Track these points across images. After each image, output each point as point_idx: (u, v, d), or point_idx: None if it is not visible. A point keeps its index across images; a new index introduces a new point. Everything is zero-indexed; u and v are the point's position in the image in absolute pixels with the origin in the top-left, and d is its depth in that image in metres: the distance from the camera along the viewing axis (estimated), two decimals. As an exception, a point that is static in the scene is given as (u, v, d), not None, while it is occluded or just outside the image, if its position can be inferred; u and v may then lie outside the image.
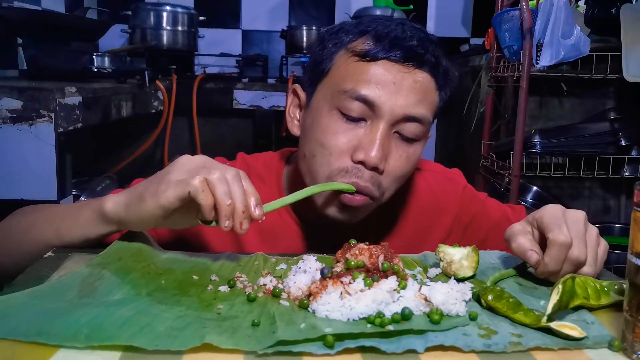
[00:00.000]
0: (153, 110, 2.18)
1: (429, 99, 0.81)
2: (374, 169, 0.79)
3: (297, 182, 0.89)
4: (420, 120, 0.80)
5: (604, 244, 0.71)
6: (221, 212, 0.64)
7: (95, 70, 1.77)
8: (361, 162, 0.79)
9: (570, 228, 0.66)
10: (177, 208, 0.66)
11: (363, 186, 0.79)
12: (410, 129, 0.80)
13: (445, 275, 0.70)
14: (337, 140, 0.79)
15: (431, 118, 0.82)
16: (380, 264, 0.62)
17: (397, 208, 0.94)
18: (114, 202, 0.71)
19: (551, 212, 0.69)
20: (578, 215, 0.69)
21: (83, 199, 1.74)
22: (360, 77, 0.79)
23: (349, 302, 0.57)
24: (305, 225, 0.91)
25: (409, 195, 0.95)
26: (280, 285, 0.64)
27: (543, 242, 0.68)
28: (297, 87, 0.89)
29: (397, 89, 0.78)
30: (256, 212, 0.66)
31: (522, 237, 0.68)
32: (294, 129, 0.89)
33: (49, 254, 0.74)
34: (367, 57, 0.79)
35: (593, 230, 0.70)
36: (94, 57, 1.79)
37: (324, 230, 0.88)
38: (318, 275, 0.62)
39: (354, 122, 0.79)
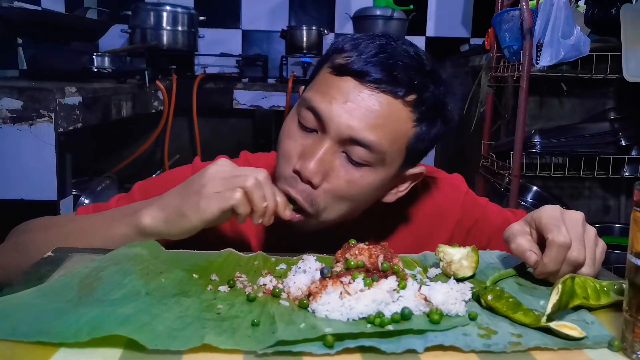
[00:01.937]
0: (153, 110, 2.18)
1: (391, 128, 0.76)
2: (308, 182, 0.77)
3: None
4: (369, 147, 0.75)
5: (602, 245, 0.71)
6: (257, 213, 0.72)
7: (95, 70, 1.77)
8: (298, 172, 0.77)
9: (569, 229, 0.66)
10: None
11: (293, 197, 0.78)
12: (358, 152, 0.76)
13: (445, 275, 0.70)
14: (288, 145, 0.79)
15: (389, 147, 0.77)
16: (379, 264, 0.62)
17: (399, 213, 0.94)
18: (151, 217, 0.73)
19: (550, 212, 0.68)
20: (576, 216, 0.69)
21: (83, 199, 1.74)
22: (321, 89, 0.77)
23: (349, 302, 0.57)
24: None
25: (410, 201, 0.95)
26: (280, 285, 0.64)
27: (541, 242, 0.68)
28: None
29: (351, 108, 0.75)
30: (287, 213, 0.75)
31: (521, 238, 0.68)
32: None
33: (49, 253, 0.74)
34: (336, 70, 0.77)
35: (591, 231, 0.70)
36: (94, 57, 1.79)
37: (323, 232, 0.88)
38: (318, 275, 0.62)
39: (306, 131, 0.78)
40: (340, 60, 0.78)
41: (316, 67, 0.84)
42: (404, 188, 0.86)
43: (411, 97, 0.77)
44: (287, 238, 0.90)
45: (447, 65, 2.63)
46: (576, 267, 0.67)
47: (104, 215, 0.82)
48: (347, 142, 0.76)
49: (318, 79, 0.80)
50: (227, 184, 0.71)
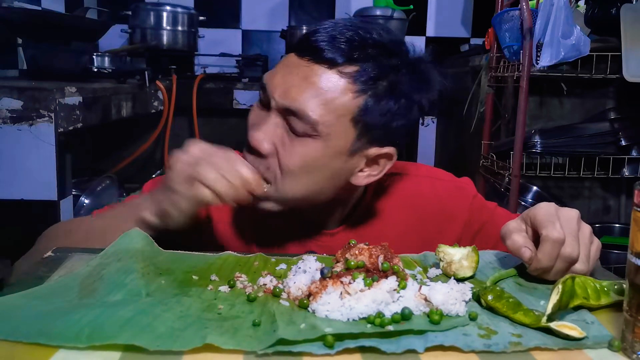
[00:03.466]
0: (153, 110, 2.18)
1: (327, 98, 0.76)
2: (256, 152, 0.80)
3: None
4: (303, 117, 0.76)
5: (597, 243, 0.71)
6: (226, 198, 0.74)
7: (95, 70, 1.77)
8: (247, 145, 0.81)
9: (564, 225, 0.67)
10: None
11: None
12: (294, 123, 0.78)
13: (445, 275, 0.70)
14: (249, 120, 0.84)
15: (327, 118, 0.77)
16: (380, 264, 0.62)
17: (405, 214, 0.94)
18: (149, 211, 0.79)
19: (545, 209, 0.69)
20: (571, 214, 0.69)
21: (83, 199, 1.75)
22: (275, 66, 0.83)
23: (349, 302, 0.57)
24: (305, 223, 0.92)
25: (417, 202, 0.95)
26: (280, 285, 0.64)
27: (537, 239, 0.68)
28: None
29: (287, 80, 0.78)
30: (259, 189, 0.76)
31: (517, 235, 0.69)
32: None
33: (49, 253, 0.74)
34: (287, 49, 0.81)
35: (586, 228, 0.70)
36: (94, 57, 1.79)
37: (322, 228, 0.89)
38: (318, 275, 0.62)
39: (263, 109, 0.82)
40: (294, 39, 0.83)
41: None
42: (377, 171, 0.85)
43: (350, 69, 0.77)
44: (265, 232, 0.91)
45: (447, 65, 2.63)
46: (570, 263, 0.67)
47: (114, 212, 0.87)
48: (285, 112, 0.79)
49: None
50: (188, 179, 0.74)
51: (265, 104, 0.81)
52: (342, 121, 0.78)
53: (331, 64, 0.77)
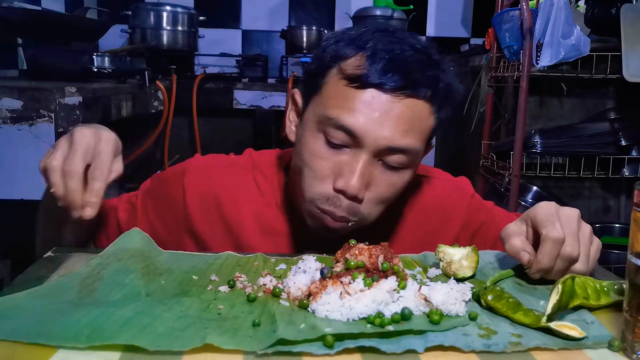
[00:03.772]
0: (153, 110, 2.18)
1: (419, 127, 0.78)
2: (353, 198, 0.77)
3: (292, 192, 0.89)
4: (405, 151, 0.77)
5: (597, 242, 0.71)
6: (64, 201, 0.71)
7: (95, 70, 1.77)
8: (341, 191, 0.77)
9: (564, 225, 0.67)
10: None
11: (339, 217, 0.79)
12: (395, 159, 0.78)
13: (445, 275, 0.70)
14: (321, 164, 0.78)
15: (421, 146, 0.79)
16: (380, 264, 0.62)
17: (404, 213, 0.94)
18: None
19: (545, 209, 0.69)
20: (571, 213, 0.69)
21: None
22: (345, 105, 0.76)
23: (349, 302, 0.57)
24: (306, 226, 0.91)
25: (416, 201, 0.95)
26: (280, 285, 0.64)
27: (538, 239, 0.68)
28: (296, 92, 0.88)
29: (382, 119, 0.75)
30: (86, 210, 0.72)
31: (516, 238, 0.69)
32: (291, 135, 0.87)
33: (49, 253, 0.74)
34: (356, 83, 0.76)
35: (586, 228, 0.70)
36: (94, 57, 1.79)
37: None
38: (318, 276, 0.62)
39: (337, 148, 0.78)
40: (351, 69, 0.77)
41: (318, 73, 0.81)
42: (418, 164, 0.88)
43: (429, 93, 0.78)
44: (287, 236, 0.90)
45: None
46: (570, 262, 0.66)
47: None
48: (384, 152, 0.77)
49: (332, 92, 0.78)
50: (45, 162, 0.73)
51: (343, 143, 0.77)
52: (425, 140, 0.81)
53: (417, 94, 0.76)
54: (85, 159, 0.71)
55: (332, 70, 0.79)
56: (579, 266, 0.67)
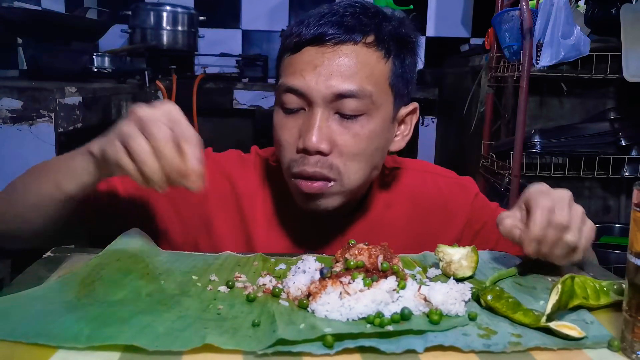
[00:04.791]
0: (153, 110, 2.17)
1: (367, 72, 0.79)
2: (318, 152, 0.79)
3: None
4: (355, 95, 0.78)
5: (590, 224, 0.71)
6: (144, 180, 0.63)
7: (95, 70, 1.77)
8: (304, 150, 0.79)
9: (554, 198, 0.69)
10: None
11: (311, 172, 0.79)
12: (349, 105, 0.79)
13: (445, 275, 0.70)
14: (283, 134, 0.82)
15: (373, 88, 0.79)
16: (379, 264, 0.62)
17: (407, 208, 0.94)
18: (96, 146, 0.69)
19: (536, 188, 0.72)
20: (563, 192, 0.71)
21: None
22: (289, 70, 0.81)
23: (349, 302, 0.57)
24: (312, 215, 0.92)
25: (419, 197, 0.95)
26: (279, 286, 0.64)
27: None
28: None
29: (323, 70, 0.78)
30: (195, 184, 0.63)
31: (508, 219, 0.71)
32: None
33: (48, 254, 0.74)
34: (293, 50, 0.80)
35: (579, 208, 0.71)
36: (94, 57, 1.79)
37: (330, 219, 0.90)
38: (317, 276, 0.62)
39: (293, 113, 0.81)
40: (292, 39, 0.81)
41: (277, 62, 0.86)
42: (407, 131, 0.90)
43: (369, 39, 0.80)
44: (297, 227, 0.90)
45: (447, 65, 2.63)
46: (561, 230, 0.67)
47: (65, 155, 0.79)
48: (335, 100, 0.78)
49: (282, 67, 0.83)
50: (120, 138, 0.64)
51: (297, 106, 0.80)
52: (384, 89, 0.82)
53: (354, 40, 0.79)
54: (168, 125, 0.63)
55: (283, 52, 0.84)
56: (570, 237, 0.68)
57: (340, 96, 0.78)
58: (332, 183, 0.81)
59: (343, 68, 0.78)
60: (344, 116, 0.79)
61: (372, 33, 0.80)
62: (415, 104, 0.88)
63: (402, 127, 0.89)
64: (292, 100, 0.80)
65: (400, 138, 0.89)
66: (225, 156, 0.96)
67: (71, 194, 0.74)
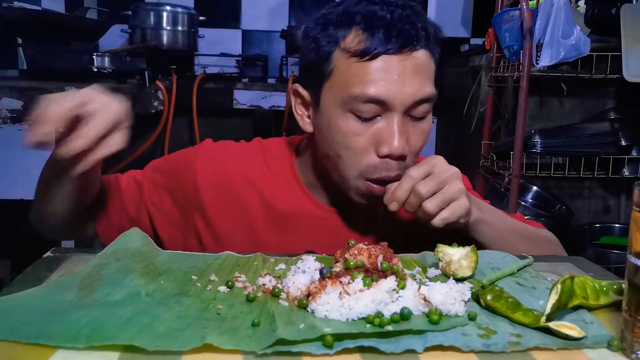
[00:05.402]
0: (153, 110, 2.17)
1: (430, 74, 0.84)
2: (400, 157, 0.83)
3: (319, 175, 0.93)
4: (429, 100, 0.83)
5: (464, 201, 0.79)
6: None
7: (95, 70, 1.77)
8: (387, 156, 0.82)
9: (434, 172, 0.78)
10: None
11: (394, 177, 0.83)
12: (422, 109, 0.84)
13: (444, 275, 0.70)
14: (359, 141, 0.83)
15: (434, 89, 0.85)
16: (379, 264, 0.62)
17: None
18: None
19: (429, 158, 0.81)
20: (449, 170, 0.80)
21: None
22: (365, 78, 0.80)
23: (348, 302, 0.57)
24: (322, 209, 0.94)
25: None
26: (279, 285, 0.64)
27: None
28: (298, 86, 0.90)
29: (401, 79, 0.80)
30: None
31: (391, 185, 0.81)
32: (307, 126, 0.91)
33: (48, 254, 0.74)
34: (365, 56, 0.80)
35: (455, 185, 0.79)
36: (94, 57, 1.79)
37: (341, 212, 0.93)
38: (317, 275, 0.62)
39: (370, 120, 0.82)
40: (356, 45, 0.81)
41: (320, 61, 0.84)
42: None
43: (424, 41, 0.83)
44: (305, 224, 0.93)
45: (447, 65, 2.63)
46: (419, 199, 0.78)
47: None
48: (412, 107, 0.82)
49: (346, 72, 0.82)
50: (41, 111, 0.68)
51: (375, 114, 0.82)
52: (434, 83, 0.86)
53: (416, 46, 0.82)
54: (78, 109, 0.69)
55: (334, 53, 0.83)
56: (428, 205, 0.78)
57: (418, 102, 0.82)
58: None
59: (417, 75, 0.82)
60: (415, 118, 0.84)
61: (424, 36, 0.83)
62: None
63: None
64: (370, 109, 0.81)
65: None
66: (226, 143, 1.01)
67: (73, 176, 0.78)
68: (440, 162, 0.81)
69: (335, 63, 0.82)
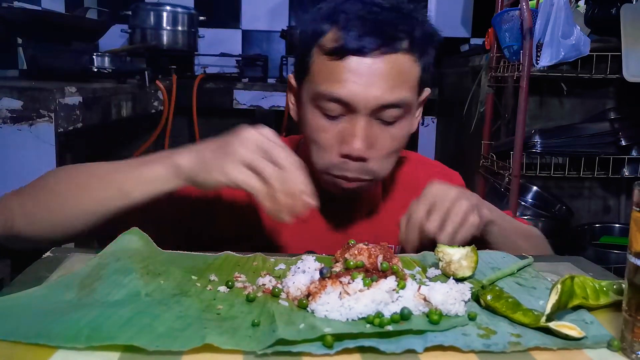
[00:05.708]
0: (153, 110, 2.17)
1: (405, 79, 0.82)
2: (359, 159, 0.82)
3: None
4: (398, 105, 0.82)
5: (472, 219, 0.78)
6: (267, 202, 0.69)
7: (95, 70, 1.76)
8: (347, 156, 0.82)
9: (436, 205, 0.77)
10: None
11: (351, 178, 0.84)
12: (391, 114, 0.82)
13: (444, 275, 0.70)
14: (324, 137, 0.84)
15: (412, 95, 0.83)
16: (379, 264, 0.62)
17: (405, 197, 0.96)
18: (187, 160, 0.73)
19: (427, 189, 0.80)
20: (451, 194, 0.79)
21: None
22: (332, 77, 0.81)
23: (348, 302, 0.57)
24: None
25: (414, 186, 0.97)
26: (279, 285, 0.64)
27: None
28: (291, 76, 0.93)
29: (368, 82, 0.79)
30: (303, 202, 0.70)
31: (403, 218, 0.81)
32: (295, 115, 0.93)
33: (48, 254, 0.74)
34: (336, 55, 0.80)
35: (460, 207, 0.78)
36: (94, 57, 1.79)
37: (339, 206, 0.93)
38: (317, 275, 0.61)
39: (335, 118, 0.83)
40: (330, 44, 0.81)
41: (304, 54, 0.85)
42: (418, 113, 0.93)
43: (405, 44, 0.82)
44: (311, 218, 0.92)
45: (447, 65, 2.63)
46: (431, 235, 0.77)
47: (128, 161, 0.79)
48: (378, 110, 0.81)
49: (318, 69, 0.83)
50: (254, 160, 0.69)
51: (339, 113, 0.82)
52: (415, 88, 0.85)
53: (395, 49, 0.81)
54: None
55: (313, 49, 0.84)
56: (441, 238, 0.76)
57: (384, 107, 0.81)
58: (366, 183, 0.86)
59: (387, 79, 0.80)
60: (384, 122, 0.83)
61: (407, 38, 0.82)
62: (429, 91, 0.91)
63: (416, 112, 0.92)
64: (334, 108, 0.82)
65: (417, 120, 0.93)
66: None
67: (137, 200, 0.74)
68: (438, 190, 0.80)
69: (314, 59, 0.84)
